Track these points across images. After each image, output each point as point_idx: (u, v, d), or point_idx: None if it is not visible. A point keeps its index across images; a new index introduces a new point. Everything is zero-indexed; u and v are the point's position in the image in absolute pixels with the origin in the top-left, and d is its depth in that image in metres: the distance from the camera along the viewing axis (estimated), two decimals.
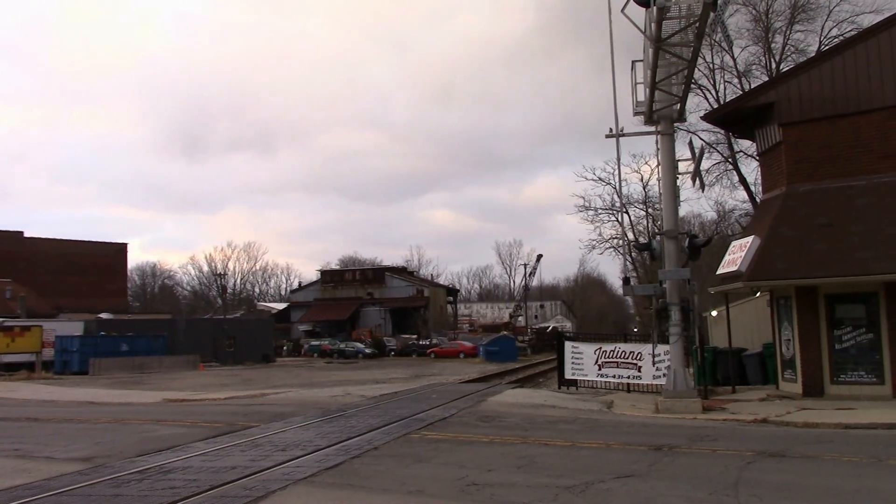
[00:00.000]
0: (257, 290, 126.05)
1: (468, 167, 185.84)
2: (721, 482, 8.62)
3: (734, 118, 22.89)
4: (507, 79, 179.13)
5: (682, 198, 18.72)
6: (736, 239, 23.71)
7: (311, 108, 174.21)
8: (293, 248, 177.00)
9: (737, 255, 19.74)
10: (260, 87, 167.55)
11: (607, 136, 18.64)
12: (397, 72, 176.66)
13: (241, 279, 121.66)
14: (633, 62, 18.87)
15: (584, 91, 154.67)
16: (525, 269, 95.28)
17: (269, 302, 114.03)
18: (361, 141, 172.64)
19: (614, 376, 23.10)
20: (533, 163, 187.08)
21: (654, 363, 21.34)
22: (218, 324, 63.30)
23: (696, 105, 38.05)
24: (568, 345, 24.52)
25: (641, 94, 18.53)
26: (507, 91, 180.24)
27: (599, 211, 50.44)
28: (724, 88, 39.00)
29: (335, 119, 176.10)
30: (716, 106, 35.78)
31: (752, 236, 19.76)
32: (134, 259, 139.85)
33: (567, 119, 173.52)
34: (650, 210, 47.84)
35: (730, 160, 39.67)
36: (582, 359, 23.76)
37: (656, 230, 26.89)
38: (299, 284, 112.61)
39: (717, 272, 21.31)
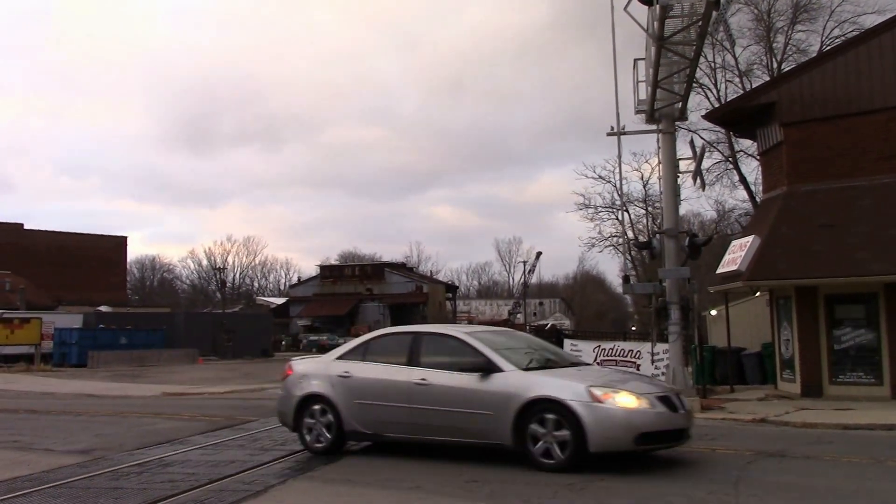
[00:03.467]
0: (256, 284, 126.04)
1: (473, 163, 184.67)
2: (721, 481, 8.63)
3: (735, 117, 22.87)
4: (517, 74, 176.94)
5: (682, 196, 18.70)
6: (736, 238, 23.72)
7: (318, 102, 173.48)
8: (293, 243, 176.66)
9: (737, 255, 19.74)
10: (266, 80, 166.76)
11: (608, 134, 18.60)
12: (405, 66, 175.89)
13: (241, 274, 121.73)
14: (636, 60, 18.82)
15: (595, 87, 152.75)
16: (524, 266, 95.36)
17: (268, 297, 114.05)
18: (366, 135, 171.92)
19: None
20: (538, 160, 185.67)
21: (652, 362, 21.29)
22: (217, 318, 63.32)
23: (698, 104, 38.05)
24: (567, 342, 24.51)
25: (643, 93, 18.47)
26: (516, 86, 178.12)
27: (599, 209, 50.25)
28: (726, 88, 39.09)
29: (341, 113, 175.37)
30: (717, 105, 35.77)
31: (753, 236, 19.76)
32: (134, 252, 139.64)
33: (575, 116, 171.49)
34: (650, 208, 47.82)
35: (730, 159, 39.68)
36: (580, 356, 23.74)
37: (656, 229, 26.95)
38: (298, 279, 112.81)
39: (717, 271, 21.31)
